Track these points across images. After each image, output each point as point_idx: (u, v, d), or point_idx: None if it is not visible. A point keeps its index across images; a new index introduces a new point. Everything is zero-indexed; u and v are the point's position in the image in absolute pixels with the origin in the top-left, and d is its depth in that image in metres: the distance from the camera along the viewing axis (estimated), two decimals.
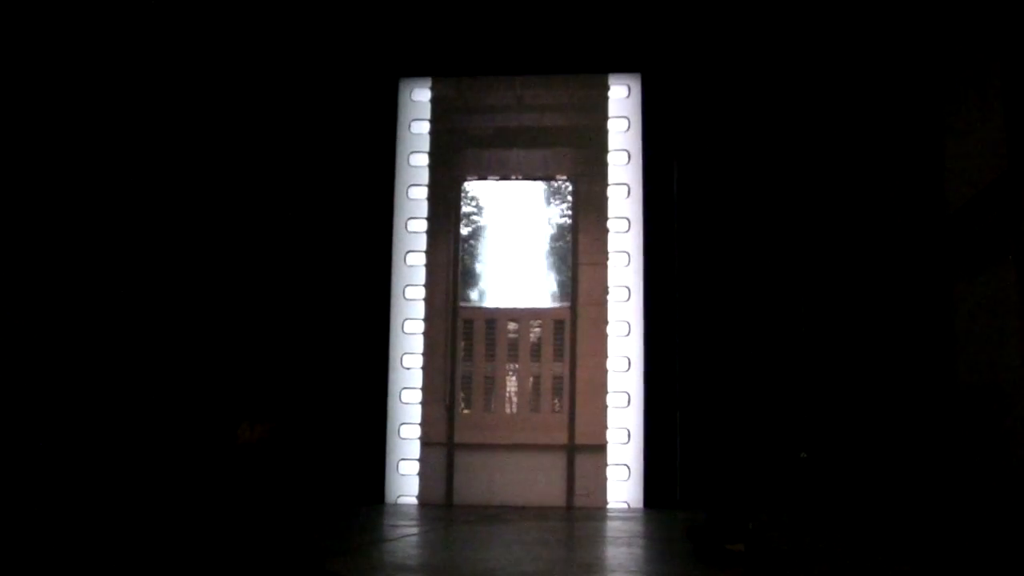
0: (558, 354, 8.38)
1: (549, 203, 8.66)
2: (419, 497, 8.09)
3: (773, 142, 8.02)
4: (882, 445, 7.17)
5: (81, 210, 8.06)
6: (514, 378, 8.44)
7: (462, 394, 8.38)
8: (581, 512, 7.68)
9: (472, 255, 8.62)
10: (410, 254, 8.48)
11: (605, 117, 8.55)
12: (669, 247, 8.16)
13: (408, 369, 8.30)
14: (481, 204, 8.68)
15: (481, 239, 8.66)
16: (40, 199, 7.86)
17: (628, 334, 8.16)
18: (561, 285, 8.52)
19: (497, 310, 8.51)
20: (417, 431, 8.20)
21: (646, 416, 7.97)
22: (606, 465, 8.02)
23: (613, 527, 6.77)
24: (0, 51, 7.53)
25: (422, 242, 8.51)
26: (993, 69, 6.65)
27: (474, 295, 8.59)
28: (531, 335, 8.47)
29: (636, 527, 6.76)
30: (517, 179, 8.67)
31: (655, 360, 8.04)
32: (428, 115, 8.69)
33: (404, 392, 8.25)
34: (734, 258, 7.98)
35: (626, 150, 8.45)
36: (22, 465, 7.22)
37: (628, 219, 8.33)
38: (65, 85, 8.04)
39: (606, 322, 8.23)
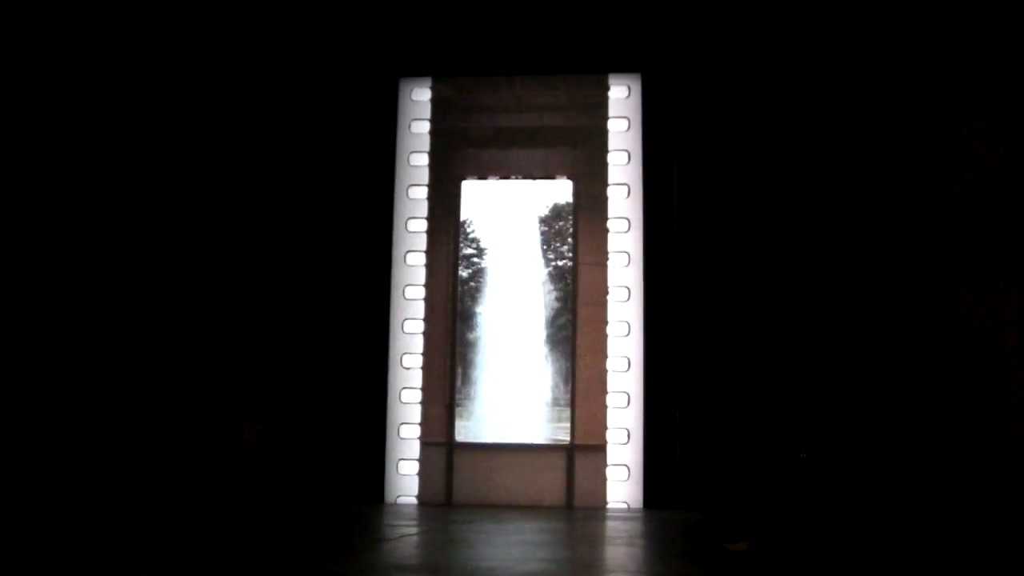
0: (558, 354, 8.38)
1: (549, 203, 8.66)
2: (419, 497, 8.08)
3: (773, 142, 8.02)
4: (882, 445, 7.17)
5: (83, 211, 8.07)
6: (514, 378, 8.43)
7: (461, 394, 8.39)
8: (581, 512, 7.68)
9: (472, 255, 8.62)
10: (410, 254, 8.47)
11: (605, 117, 8.54)
12: (669, 247, 8.16)
13: (408, 369, 8.30)
14: (481, 204, 8.67)
15: (481, 239, 8.66)
16: (43, 201, 7.87)
17: (628, 334, 8.15)
18: (561, 285, 8.52)
19: (497, 310, 8.51)
20: (417, 431, 8.19)
21: (646, 416, 7.97)
22: (606, 465, 8.01)
23: (613, 527, 6.78)
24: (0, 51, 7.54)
25: (422, 242, 8.50)
26: (993, 70, 6.66)
27: (474, 295, 8.59)
28: (531, 335, 8.47)
29: (636, 527, 6.76)
30: (517, 179, 8.66)
31: (655, 360, 8.03)
32: (428, 115, 8.68)
33: (404, 392, 8.25)
34: (734, 258, 7.98)
35: (626, 150, 8.44)
36: (24, 464, 7.23)
37: (628, 219, 8.32)
38: (66, 86, 8.04)
39: (606, 322, 8.22)
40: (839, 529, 5.71)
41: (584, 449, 8.09)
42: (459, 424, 8.29)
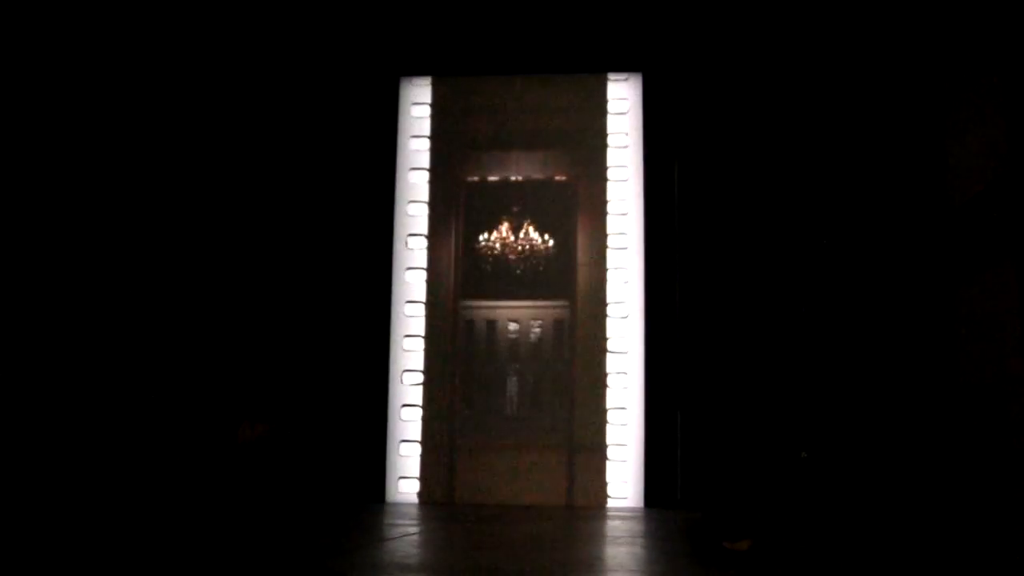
0: (558, 354, 8.38)
1: (549, 203, 8.65)
2: (420, 496, 8.09)
3: (774, 141, 8.02)
4: (883, 445, 7.17)
5: (82, 210, 8.07)
6: (515, 378, 8.44)
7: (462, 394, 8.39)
8: (581, 511, 7.69)
9: (472, 255, 8.62)
10: (410, 254, 8.47)
11: (605, 117, 8.54)
12: (669, 246, 8.16)
13: (409, 370, 8.29)
14: (482, 203, 8.67)
15: (481, 239, 8.65)
16: (41, 200, 7.87)
17: (628, 334, 8.15)
18: (561, 285, 8.51)
19: (498, 310, 8.52)
20: (418, 431, 8.20)
21: (646, 416, 7.97)
22: (606, 465, 8.01)
23: (613, 526, 6.77)
24: (0, 51, 7.54)
25: (422, 242, 8.50)
26: (993, 69, 6.66)
27: (475, 295, 8.59)
28: (531, 335, 8.47)
29: (636, 526, 6.76)
30: (517, 179, 8.66)
31: (655, 360, 8.04)
32: (428, 115, 8.68)
33: (404, 392, 8.24)
34: (734, 258, 7.98)
35: (626, 150, 8.44)
36: (23, 465, 7.23)
37: (629, 219, 8.32)
38: (65, 85, 8.04)
39: (606, 322, 8.22)
40: (840, 529, 5.72)
41: (584, 449, 8.09)
42: (460, 423, 8.29)
